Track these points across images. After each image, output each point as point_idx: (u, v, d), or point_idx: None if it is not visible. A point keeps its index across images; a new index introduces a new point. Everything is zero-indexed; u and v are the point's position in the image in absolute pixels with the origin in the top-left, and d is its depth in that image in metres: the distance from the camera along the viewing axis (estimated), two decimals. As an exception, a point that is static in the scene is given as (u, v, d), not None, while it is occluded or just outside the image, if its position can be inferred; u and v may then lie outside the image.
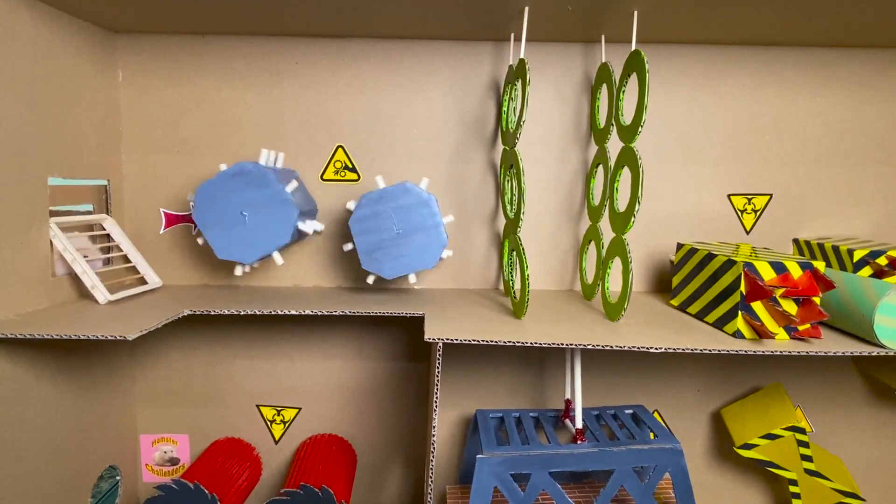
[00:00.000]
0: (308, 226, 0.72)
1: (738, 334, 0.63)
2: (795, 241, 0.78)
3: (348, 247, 0.72)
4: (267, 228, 0.69)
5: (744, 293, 0.62)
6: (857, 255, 0.70)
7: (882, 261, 0.69)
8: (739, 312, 0.62)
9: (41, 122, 0.66)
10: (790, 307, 0.62)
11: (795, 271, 0.62)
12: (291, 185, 0.70)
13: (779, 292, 0.61)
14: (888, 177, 0.84)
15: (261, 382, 0.87)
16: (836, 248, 0.73)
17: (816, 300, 0.62)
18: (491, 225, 0.84)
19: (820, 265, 0.62)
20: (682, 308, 0.75)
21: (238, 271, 0.73)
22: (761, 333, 0.62)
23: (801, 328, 0.62)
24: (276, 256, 0.71)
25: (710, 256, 0.69)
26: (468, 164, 0.83)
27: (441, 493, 0.86)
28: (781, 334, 0.62)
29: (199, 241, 0.74)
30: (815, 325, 0.62)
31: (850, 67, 0.82)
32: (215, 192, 0.69)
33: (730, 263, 0.64)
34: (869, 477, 0.88)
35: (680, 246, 0.77)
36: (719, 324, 0.66)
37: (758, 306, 0.62)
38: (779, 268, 0.62)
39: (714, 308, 0.67)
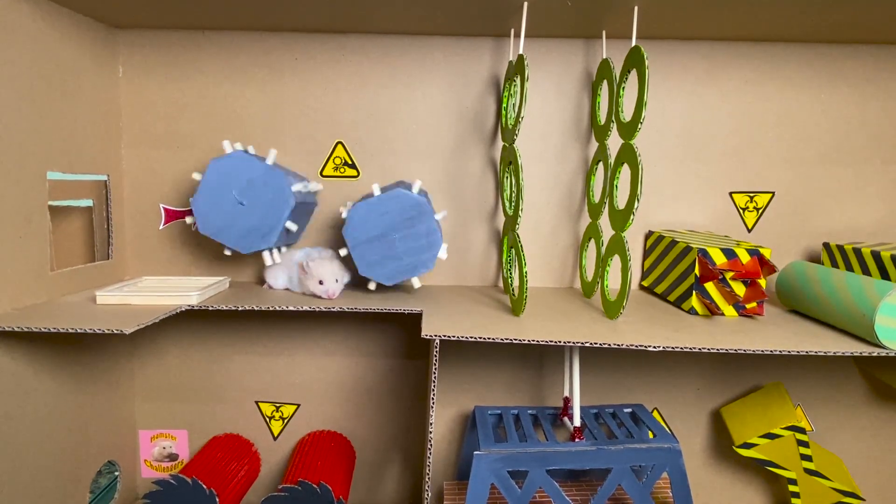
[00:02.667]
0: (302, 186, 0.72)
1: (692, 311, 0.71)
2: (826, 245, 0.78)
3: (344, 252, 0.72)
4: (268, 203, 0.70)
5: (697, 275, 0.70)
6: None
7: None
8: (694, 292, 0.71)
9: (41, 117, 0.66)
10: (739, 288, 0.70)
11: (744, 257, 0.70)
12: (271, 157, 0.71)
13: (728, 275, 0.69)
14: (892, 175, 0.83)
15: (260, 378, 0.87)
16: (876, 254, 0.70)
17: (762, 282, 0.70)
18: (490, 222, 0.84)
19: (766, 251, 0.69)
20: (651, 288, 0.82)
21: (268, 261, 0.74)
22: (712, 310, 0.71)
23: (748, 306, 0.71)
24: (290, 224, 0.71)
25: (672, 243, 0.76)
26: (467, 161, 0.83)
27: (438, 489, 0.86)
28: (730, 311, 0.71)
29: (227, 252, 0.73)
30: (760, 304, 0.71)
31: (855, 64, 0.81)
32: (210, 199, 0.70)
33: (687, 249, 0.72)
34: (869, 476, 0.87)
35: (651, 233, 0.83)
36: (678, 302, 0.74)
37: (710, 287, 0.71)
38: (729, 254, 0.70)
39: (675, 288, 0.75)
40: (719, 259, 0.70)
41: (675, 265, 0.75)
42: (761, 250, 0.70)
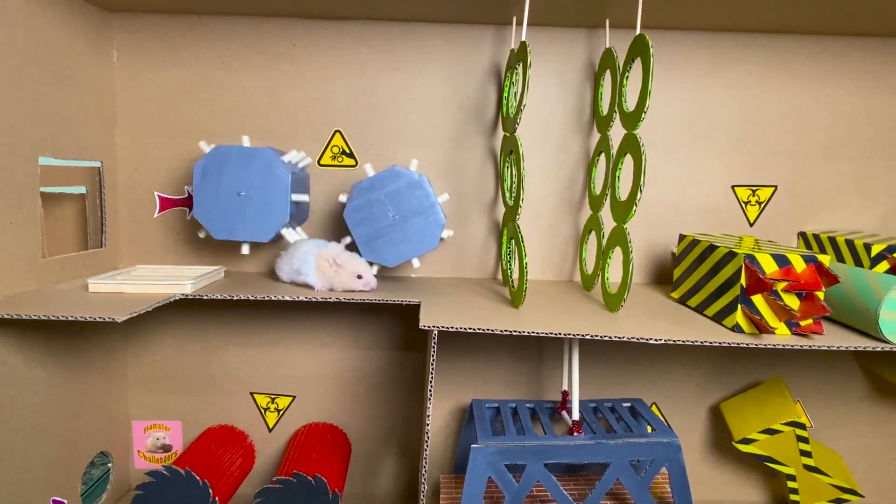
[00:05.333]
0: (296, 156, 0.72)
1: (737, 328, 0.61)
2: (802, 234, 0.76)
3: (346, 240, 0.71)
4: (263, 181, 0.69)
5: (744, 286, 0.60)
6: (875, 250, 0.68)
7: None
8: (739, 306, 0.61)
9: (33, 101, 0.64)
10: (792, 301, 0.60)
11: (799, 265, 0.60)
12: (245, 141, 0.71)
13: (780, 286, 0.59)
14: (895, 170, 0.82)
15: (255, 370, 0.86)
16: (850, 242, 0.70)
17: (820, 295, 0.60)
18: (490, 213, 0.83)
19: (825, 259, 0.60)
20: (683, 301, 0.73)
21: (292, 237, 0.73)
22: (761, 328, 0.60)
23: (802, 323, 0.60)
24: (298, 196, 0.71)
25: (711, 248, 0.67)
26: (468, 151, 0.82)
27: (435, 482, 0.85)
28: (782, 329, 0.60)
29: (201, 234, 0.73)
30: (818, 321, 0.60)
31: (860, 57, 0.80)
32: (212, 207, 0.70)
33: (731, 255, 0.62)
34: (868, 473, 0.87)
35: (682, 237, 0.75)
36: (719, 317, 0.64)
37: (758, 300, 0.61)
38: (782, 261, 0.60)
39: (714, 301, 0.65)
40: (770, 267, 0.60)
41: (714, 274, 0.65)
42: (819, 257, 0.60)
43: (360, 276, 0.69)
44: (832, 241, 0.73)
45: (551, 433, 0.68)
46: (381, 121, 0.81)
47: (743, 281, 0.60)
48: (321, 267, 0.69)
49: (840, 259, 0.73)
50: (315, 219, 0.82)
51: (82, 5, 0.72)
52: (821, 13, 0.71)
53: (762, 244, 0.69)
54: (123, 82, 0.79)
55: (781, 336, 0.60)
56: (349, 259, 0.70)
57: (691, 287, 0.71)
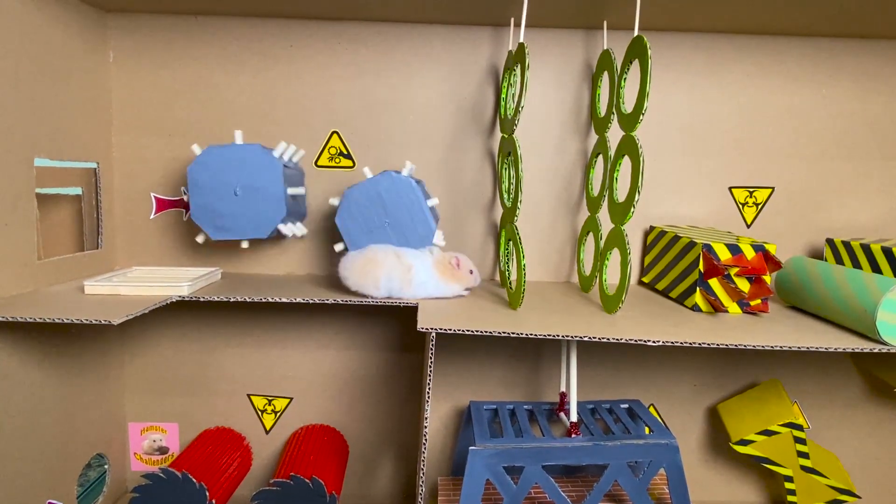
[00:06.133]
0: (284, 148, 0.72)
1: (696, 308, 0.70)
2: (829, 241, 0.77)
3: (339, 247, 0.71)
4: (258, 177, 0.69)
5: (702, 271, 0.69)
6: None
7: None
8: (698, 288, 0.70)
9: (28, 102, 0.64)
10: (743, 285, 0.69)
11: (749, 252, 0.69)
12: (238, 137, 0.70)
13: (733, 271, 0.68)
14: (893, 170, 0.82)
15: (252, 371, 0.85)
16: (888, 250, 0.67)
17: (767, 279, 0.69)
18: (487, 214, 0.83)
19: (771, 247, 0.68)
20: (652, 284, 0.80)
21: (288, 233, 0.72)
22: (716, 307, 0.69)
23: (752, 303, 0.69)
24: (293, 190, 0.70)
25: (675, 238, 0.74)
26: (465, 152, 0.81)
27: (433, 484, 0.85)
28: (734, 308, 0.70)
29: (199, 238, 0.72)
30: (765, 301, 0.70)
31: (857, 59, 0.80)
32: (209, 207, 0.70)
33: (691, 244, 0.71)
34: (865, 474, 0.87)
35: (652, 228, 0.82)
36: (681, 298, 0.72)
37: (714, 283, 0.69)
38: (734, 249, 0.69)
39: (677, 284, 0.73)
40: (724, 255, 0.69)
41: (678, 261, 0.74)
42: (766, 246, 0.69)
43: (471, 272, 0.70)
44: (865, 248, 0.71)
45: (549, 435, 0.68)
46: (378, 122, 0.81)
47: (701, 266, 0.69)
48: (443, 271, 0.68)
49: (875, 269, 0.70)
50: (314, 219, 0.82)
51: (78, 6, 0.72)
52: (818, 15, 0.71)
53: (719, 235, 0.75)
54: (120, 83, 0.79)
55: (734, 314, 0.69)
56: (460, 256, 0.70)
57: (659, 272, 0.79)
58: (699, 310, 0.70)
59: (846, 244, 0.74)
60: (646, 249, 0.83)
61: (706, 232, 0.78)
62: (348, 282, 0.67)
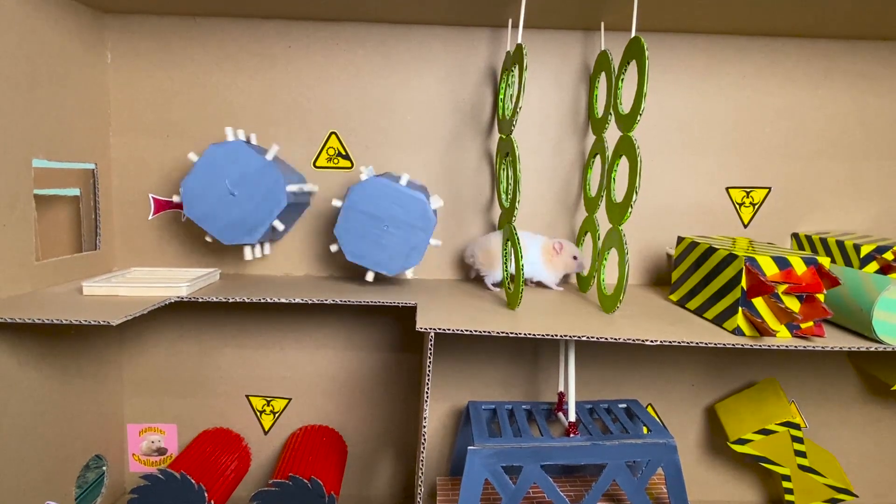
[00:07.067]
0: (297, 188, 0.71)
1: (737, 331, 0.60)
2: (794, 235, 0.76)
3: (334, 248, 0.71)
4: (260, 199, 0.69)
5: (745, 288, 0.60)
6: (865, 250, 0.69)
7: (889, 256, 0.68)
8: (740, 308, 0.60)
9: (26, 103, 0.64)
10: (793, 304, 0.60)
11: (799, 267, 0.60)
12: (272, 153, 0.70)
13: (781, 288, 0.59)
14: (888, 171, 0.83)
15: (250, 372, 0.85)
16: (840, 243, 0.71)
17: (820, 297, 0.59)
18: (486, 215, 0.83)
19: (825, 261, 0.60)
20: (682, 303, 0.72)
21: (248, 255, 0.72)
22: (762, 331, 0.59)
23: (803, 326, 0.59)
24: (278, 223, 0.70)
25: (711, 250, 0.66)
26: (464, 153, 0.82)
27: (431, 484, 0.85)
28: (783, 332, 0.60)
29: (208, 238, 0.72)
30: (819, 323, 0.60)
31: (853, 60, 0.80)
32: (202, 183, 0.69)
33: (731, 258, 0.62)
34: (862, 473, 0.87)
35: (680, 240, 0.74)
36: (719, 320, 0.63)
37: (759, 302, 0.60)
38: (782, 263, 0.60)
39: (714, 304, 0.65)
40: (770, 269, 0.60)
41: (714, 276, 0.65)
42: (819, 259, 0.60)
43: (575, 258, 0.71)
44: (823, 241, 0.73)
45: (548, 435, 0.68)
46: (376, 122, 0.81)
47: (744, 283, 0.60)
48: (550, 259, 0.70)
49: (833, 261, 0.73)
50: (314, 219, 0.82)
51: (76, 7, 0.72)
52: (814, 17, 0.71)
53: (759, 246, 0.69)
54: (118, 84, 0.79)
55: (782, 339, 0.60)
56: (564, 242, 0.72)
57: (691, 289, 0.70)
58: (742, 333, 0.60)
59: (808, 238, 0.75)
60: (674, 263, 0.75)
61: (744, 243, 0.70)
62: (476, 265, 0.75)
